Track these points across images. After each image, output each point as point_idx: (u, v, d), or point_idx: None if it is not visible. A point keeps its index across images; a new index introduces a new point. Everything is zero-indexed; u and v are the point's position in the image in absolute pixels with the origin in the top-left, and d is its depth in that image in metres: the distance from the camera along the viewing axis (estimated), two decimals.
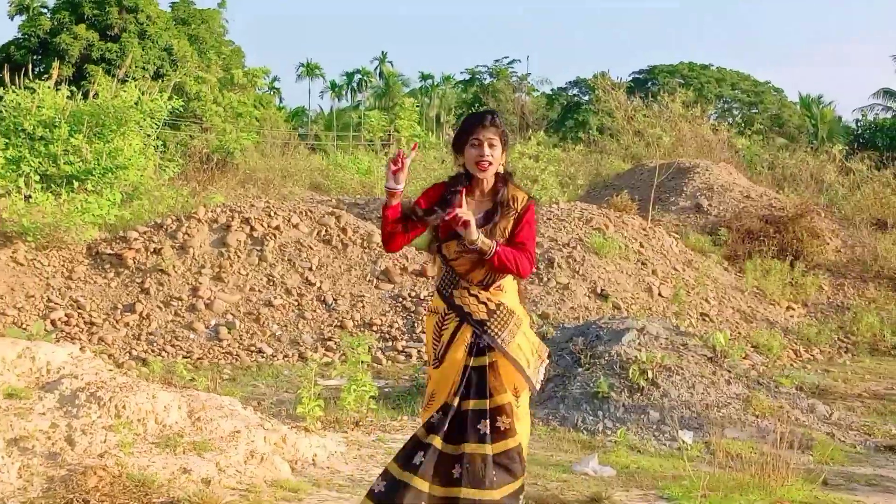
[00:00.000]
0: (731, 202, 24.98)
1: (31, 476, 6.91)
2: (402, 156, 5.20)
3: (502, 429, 5.14)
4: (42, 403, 7.74)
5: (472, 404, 5.14)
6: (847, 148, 36.67)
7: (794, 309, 20.12)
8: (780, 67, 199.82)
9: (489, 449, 5.09)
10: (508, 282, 5.33)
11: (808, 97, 68.95)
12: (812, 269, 21.62)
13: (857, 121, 59.82)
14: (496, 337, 5.17)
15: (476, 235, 5.06)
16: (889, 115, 54.72)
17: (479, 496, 5.03)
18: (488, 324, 5.19)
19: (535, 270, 4.77)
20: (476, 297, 5.22)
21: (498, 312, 5.22)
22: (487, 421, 5.12)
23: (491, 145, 5.21)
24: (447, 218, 5.07)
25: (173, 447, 7.57)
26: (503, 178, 5.35)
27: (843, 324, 19.43)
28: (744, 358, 14.67)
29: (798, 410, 11.09)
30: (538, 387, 5.37)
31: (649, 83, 59.94)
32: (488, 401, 5.14)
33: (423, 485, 5.06)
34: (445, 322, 5.29)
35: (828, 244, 23.13)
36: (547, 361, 5.52)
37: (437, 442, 5.10)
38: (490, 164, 5.22)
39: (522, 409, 5.30)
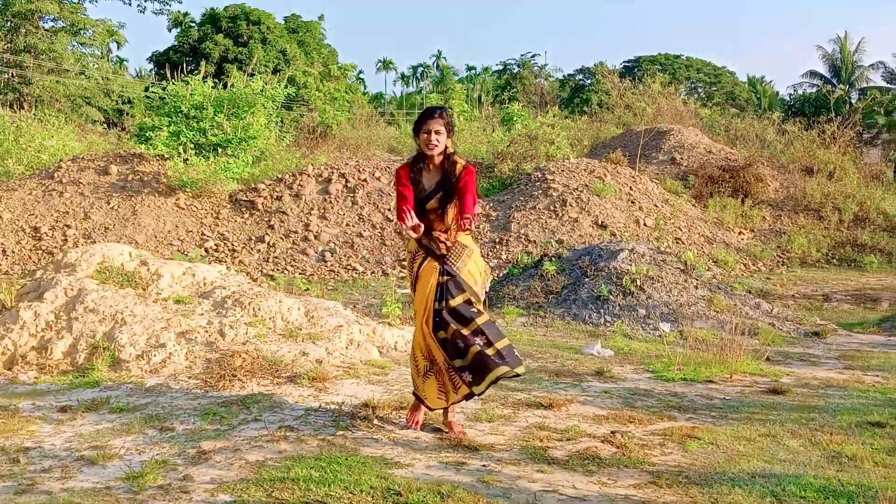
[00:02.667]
0: (698, 156, 24.62)
1: (194, 358, 7.03)
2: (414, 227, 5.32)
3: (477, 310, 5.39)
4: (201, 307, 7.85)
5: (460, 299, 5.36)
6: (783, 115, 35.92)
7: (744, 233, 19.91)
8: (733, 55, 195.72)
9: (478, 322, 5.33)
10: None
11: (754, 77, 67.46)
12: (757, 204, 21.37)
13: (790, 94, 58.57)
14: (453, 265, 5.39)
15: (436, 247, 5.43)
16: (814, 89, 53.36)
17: (504, 343, 5.34)
18: (447, 257, 5.41)
19: (479, 207, 4.86)
20: (438, 238, 5.44)
21: (454, 249, 5.44)
22: (472, 306, 5.37)
23: (437, 133, 5.38)
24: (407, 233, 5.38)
25: (295, 337, 7.66)
26: (449, 156, 5.48)
27: (780, 244, 19.23)
28: (707, 270, 14.56)
29: (747, 307, 11.00)
30: (482, 297, 5.54)
31: (635, 69, 58.80)
32: (467, 293, 5.38)
33: (458, 362, 5.34)
34: (416, 258, 5.52)
35: (769, 186, 22.80)
36: (491, 276, 5.89)
37: (442, 335, 5.36)
38: (436, 145, 5.38)
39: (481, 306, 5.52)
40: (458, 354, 5.30)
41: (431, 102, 48.72)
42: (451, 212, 5.40)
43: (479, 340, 5.28)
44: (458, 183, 5.37)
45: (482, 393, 5.36)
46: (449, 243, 5.43)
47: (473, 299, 5.41)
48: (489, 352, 5.26)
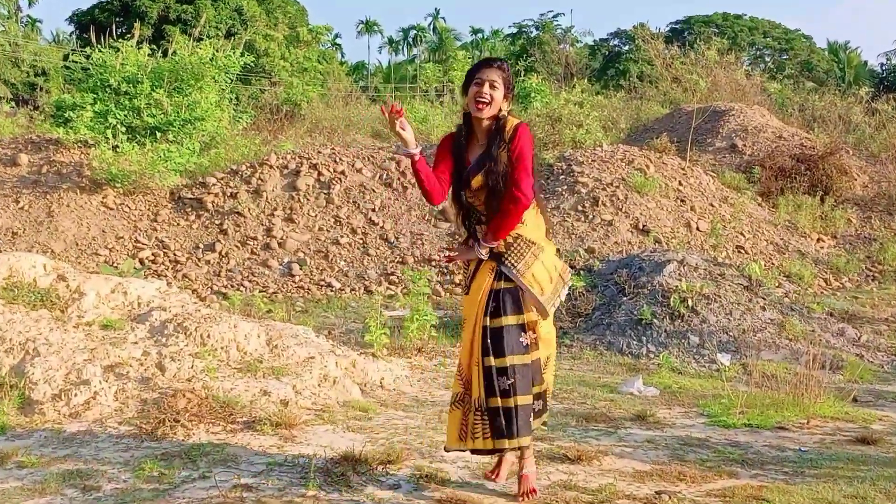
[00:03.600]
0: (765, 142, 24.67)
1: (126, 399, 7.03)
2: (396, 110, 5.02)
3: (532, 341, 5.28)
4: (134, 333, 7.86)
5: (511, 320, 5.22)
6: (873, 90, 35.97)
7: (823, 241, 19.92)
8: (809, 15, 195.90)
9: (528, 359, 5.25)
10: (528, 214, 5.30)
11: (835, 43, 67.88)
12: (841, 204, 21.39)
13: (882, 65, 58.95)
14: (512, 268, 5.22)
15: (476, 252, 5.29)
16: None
17: (525, 401, 5.21)
18: (505, 255, 5.23)
19: (538, 191, 4.75)
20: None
21: (515, 245, 5.26)
22: (526, 334, 5.25)
23: (493, 86, 5.13)
24: (445, 262, 5.29)
25: (254, 372, 7.66)
26: (499, 120, 5.23)
27: (870, 254, 19.23)
28: (777, 286, 14.57)
29: (829, 334, 11.01)
30: (551, 312, 5.37)
31: (686, 33, 59.11)
32: (525, 315, 5.25)
33: (492, 401, 5.22)
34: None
35: (855, 180, 22.83)
36: (570, 283, 5.62)
37: (490, 362, 5.21)
38: (487, 103, 5.14)
39: (545, 330, 5.40)
40: (488, 390, 5.22)
41: (427, 74, 49.01)
42: (501, 189, 5.18)
43: (504, 383, 5.20)
44: (509, 148, 5.16)
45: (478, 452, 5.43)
46: (510, 237, 5.26)
47: (536, 317, 5.32)
48: (521, 402, 5.20)
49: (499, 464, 5.66)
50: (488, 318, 5.22)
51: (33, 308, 7.84)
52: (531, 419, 5.28)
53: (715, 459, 6.40)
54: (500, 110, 5.21)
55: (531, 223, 5.34)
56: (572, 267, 12.70)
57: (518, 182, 5.10)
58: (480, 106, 5.15)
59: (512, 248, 5.25)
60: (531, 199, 5.18)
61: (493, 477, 5.60)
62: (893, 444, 6.94)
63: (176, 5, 46.65)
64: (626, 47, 62.18)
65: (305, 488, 5.47)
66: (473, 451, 5.42)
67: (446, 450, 5.52)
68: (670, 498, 5.43)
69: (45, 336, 7.44)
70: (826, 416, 7.66)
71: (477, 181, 5.22)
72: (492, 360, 5.18)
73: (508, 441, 5.21)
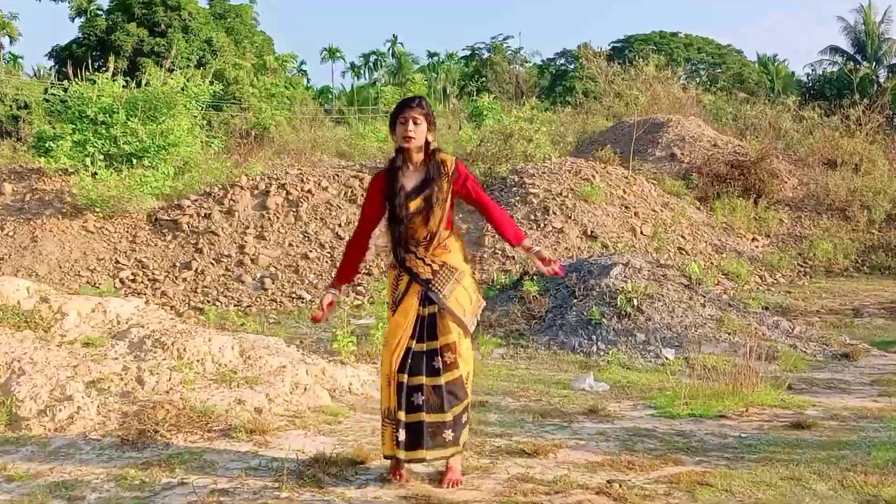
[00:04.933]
0: (701, 151, 24.85)
1: (108, 412, 6.96)
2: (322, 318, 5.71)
3: (448, 362, 5.39)
4: (114, 350, 7.78)
5: (424, 346, 5.40)
6: (800, 99, 36.31)
7: (758, 240, 20.09)
8: (739, 30, 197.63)
9: (441, 380, 5.36)
10: (452, 241, 5.56)
11: (764, 56, 68.55)
12: (773, 205, 21.58)
13: (808, 75, 59.44)
14: (438, 293, 5.40)
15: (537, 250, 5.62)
16: (835, 68, 54.12)
17: (438, 419, 5.34)
18: (432, 282, 5.42)
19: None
20: (423, 260, 5.46)
21: (441, 272, 5.45)
22: (439, 357, 5.37)
23: (415, 123, 5.42)
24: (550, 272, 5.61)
25: (229, 382, 7.61)
26: (433, 153, 5.53)
27: (801, 251, 19.43)
28: (716, 284, 14.68)
29: (764, 327, 11.08)
30: (471, 329, 5.57)
31: (626, 51, 59.31)
32: (437, 341, 5.39)
33: (401, 415, 5.38)
34: (401, 277, 5.53)
35: (786, 183, 23.05)
36: (483, 302, 5.82)
37: (403, 378, 5.38)
38: (413, 137, 5.42)
39: (465, 348, 5.50)
40: (407, 406, 5.36)
41: (387, 96, 49.00)
42: (438, 213, 5.41)
43: (427, 399, 5.34)
44: (458, 179, 5.50)
45: (407, 461, 5.45)
46: (436, 265, 5.45)
47: (456, 338, 5.42)
48: (430, 419, 5.33)
49: (397, 465, 5.60)
50: (413, 342, 5.41)
51: (18, 329, 7.75)
52: (446, 435, 5.36)
53: (661, 448, 6.42)
54: (428, 141, 5.51)
55: (455, 249, 5.57)
56: (526, 273, 12.72)
57: (489, 201, 5.65)
58: (408, 137, 5.42)
59: (438, 275, 5.44)
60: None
61: (396, 478, 5.55)
62: (826, 428, 7.00)
63: (149, 39, 46.30)
64: (572, 66, 62.33)
65: (279, 490, 5.43)
66: (386, 457, 5.55)
67: (385, 457, 5.60)
68: (621, 486, 5.43)
69: (30, 355, 7.35)
70: (763, 403, 7.71)
71: (416, 204, 5.44)
72: (404, 378, 5.35)
73: (426, 451, 5.35)
